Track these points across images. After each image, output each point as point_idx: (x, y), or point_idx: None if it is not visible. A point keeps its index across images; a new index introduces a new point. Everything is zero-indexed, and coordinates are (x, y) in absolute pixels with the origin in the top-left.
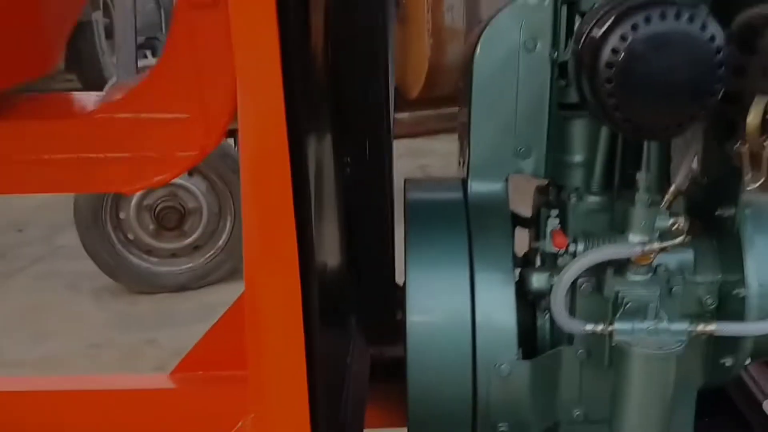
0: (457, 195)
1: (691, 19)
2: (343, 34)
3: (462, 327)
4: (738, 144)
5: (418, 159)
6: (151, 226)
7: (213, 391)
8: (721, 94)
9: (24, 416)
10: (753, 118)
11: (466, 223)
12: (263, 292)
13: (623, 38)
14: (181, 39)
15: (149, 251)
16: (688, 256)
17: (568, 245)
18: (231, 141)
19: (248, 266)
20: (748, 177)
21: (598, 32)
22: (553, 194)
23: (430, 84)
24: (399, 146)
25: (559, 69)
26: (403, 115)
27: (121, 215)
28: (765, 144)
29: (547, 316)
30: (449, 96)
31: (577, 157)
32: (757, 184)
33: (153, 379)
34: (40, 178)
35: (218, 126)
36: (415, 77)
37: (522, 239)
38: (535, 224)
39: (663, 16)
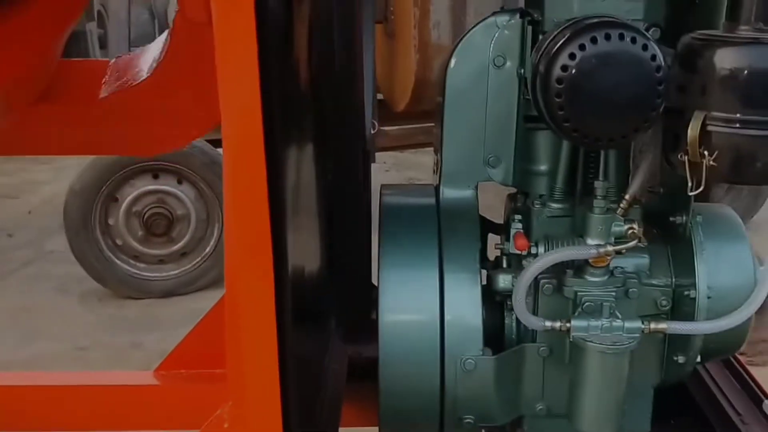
0: (430, 200)
1: (633, 41)
2: (322, 49)
3: (431, 325)
4: (680, 155)
5: (406, 172)
6: (140, 232)
7: (193, 387)
8: (661, 108)
9: (16, 409)
10: (692, 131)
11: (437, 226)
12: (241, 294)
13: (572, 57)
14: (181, 43)
15: (137, 257)
16: (644, 260)
17: (530, 248)
18: (220, 150)
19: (228, 271)
20: (690, 185)
21: (550, 51)
22: (520, 201)
23: (417, 98)
24: (386, 159)
25: (525, 84)
26: (391, 128)
27: (110, 221)
28: (703, 154)
29: (514, 315)
30: (435, 110)
31: (542, 167)
32: (697, 192)
33: (138, 375)
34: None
35: (214, 113)
36: (401, 91)
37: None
38: (505, 230)
39: (608, 38)
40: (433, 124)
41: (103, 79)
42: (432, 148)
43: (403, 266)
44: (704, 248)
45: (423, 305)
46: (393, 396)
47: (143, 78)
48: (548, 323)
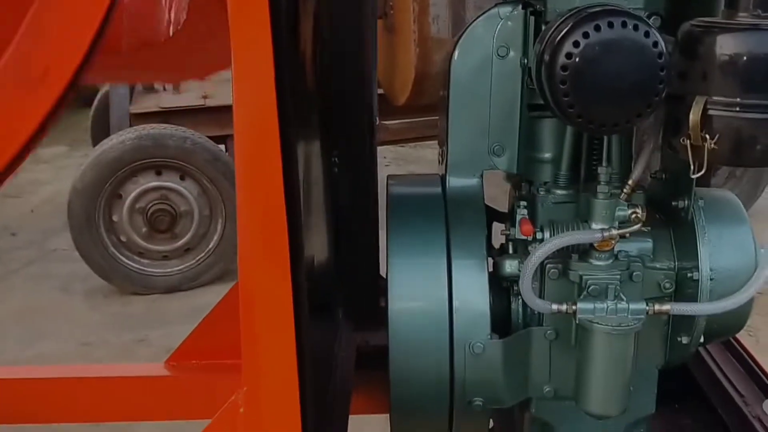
0: (436, 190)
1: (636, 28)
2: (330, 42)
3: (440, 311)
4: (682, 139)
5: (406, 166)
6: (144, 229)
7: (204, 377)
8: (664, 94)
9: (30, 401)
10: (694, 115)
11: (444, 215)
12: (258, 283)
13: (576, 44)
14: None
15: (141, 253)
16: (647, 244)
17: (535, 233)
18: (222, 147)
19: (243, 260)
20: (692, 168)
21: (555, 39)
22: (525, 189)
23: (417, 92)
24: (387, 153)
25: (529, 73)
26: (391, 123)
27: (114, 218)
28: (705, 138)
29: (520, 300)
30: (435, 104)
31: (546, 154)
32: (699, 174)
33: (149, 367)
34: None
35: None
36: (402, 85)
37: (499, 234)
38: (509, 218)
39: (611, 25)
40: (433, 118)
41: (121, 23)
42: (432, 142)
43: (412, 254)
44: (706, 231)
45: (431, 292)
46: (403, 381)
47: (164, 35)
48: (555, 306)
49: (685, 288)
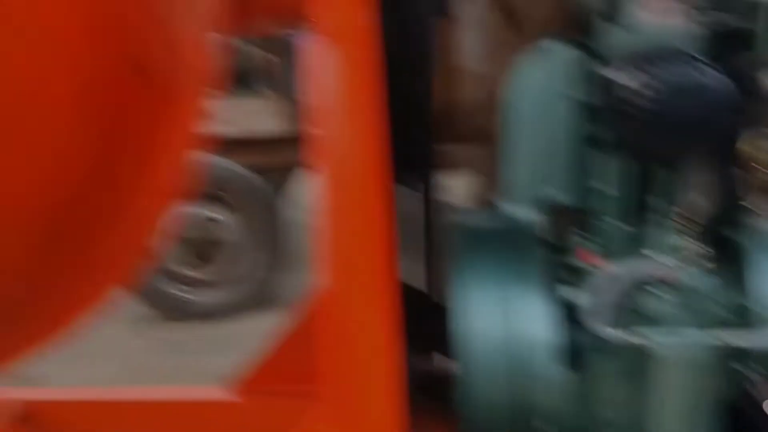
0: (494, 220)
1: (697, 67)
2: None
3: (508, 342)
4: (739, 170)
5: None
6: (185, 257)
7: (272, 402)
8: (726, 130)
9: (94, 425)
10: (747, 146)
11: (504, 245)
12: (355, 306)
13: (644, 84)
14: None
15: (182, 280)
16: (707, 275)
17: (597, 264)
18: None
19: (335, 282)
20: (761, 208)
21: (622, 78)
22: (582, 219)
23: (444, 122)
24: None
25: (589, 109)
26: None
27: None
28: (758, 168)
29: (585, 330)
30: (465, 134)
31: (603, 186)
32: (756, 205)
33: (220, 391)
34: None
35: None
36: None
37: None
38: (565, 247)
39: (676, 65)
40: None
41: None
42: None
43: (475, 286)
44: (760, 265)
45: (499, 323)
46: (472, 414)
47: None
48: (624, 336)
49: (743, 319)
